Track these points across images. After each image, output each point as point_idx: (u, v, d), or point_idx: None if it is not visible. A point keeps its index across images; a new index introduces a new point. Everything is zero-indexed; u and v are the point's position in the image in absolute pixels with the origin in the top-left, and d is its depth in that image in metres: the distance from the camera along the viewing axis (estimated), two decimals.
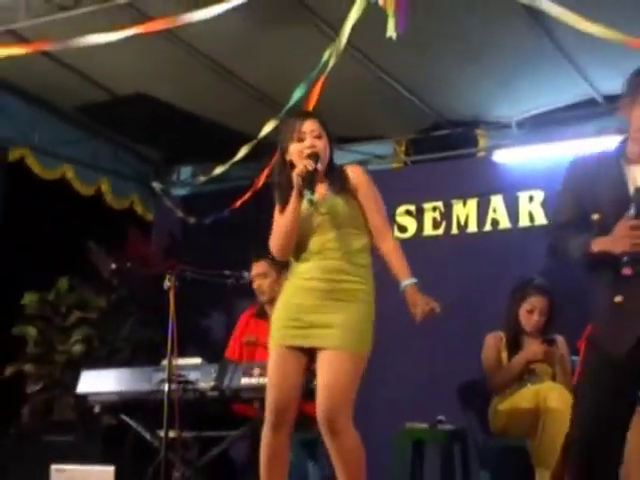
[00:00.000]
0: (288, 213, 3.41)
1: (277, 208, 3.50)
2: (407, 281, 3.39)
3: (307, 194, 3.33)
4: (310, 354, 3.39)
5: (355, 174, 3.52)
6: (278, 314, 3.48)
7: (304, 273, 3.43)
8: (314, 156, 3.40)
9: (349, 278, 3.39)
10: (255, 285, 4.93)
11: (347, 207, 3.45)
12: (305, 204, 3.39)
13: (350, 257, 3.41)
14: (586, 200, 3.04)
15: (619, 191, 2.94)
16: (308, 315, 3.37)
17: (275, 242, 3.46)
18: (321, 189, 3.48)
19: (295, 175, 3.38)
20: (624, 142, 3.06)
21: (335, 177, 3.51)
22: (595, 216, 2.98)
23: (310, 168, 3.36)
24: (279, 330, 3.43)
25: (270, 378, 3.42)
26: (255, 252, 4.87)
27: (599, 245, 2.89)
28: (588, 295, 3.15)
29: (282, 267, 4.63)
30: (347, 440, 3.31)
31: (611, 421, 2.94)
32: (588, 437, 2.95)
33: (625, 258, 2.84)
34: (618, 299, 2.92)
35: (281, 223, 3.44)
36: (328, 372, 3.31)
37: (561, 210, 3.16)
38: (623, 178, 2.96)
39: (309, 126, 3.47)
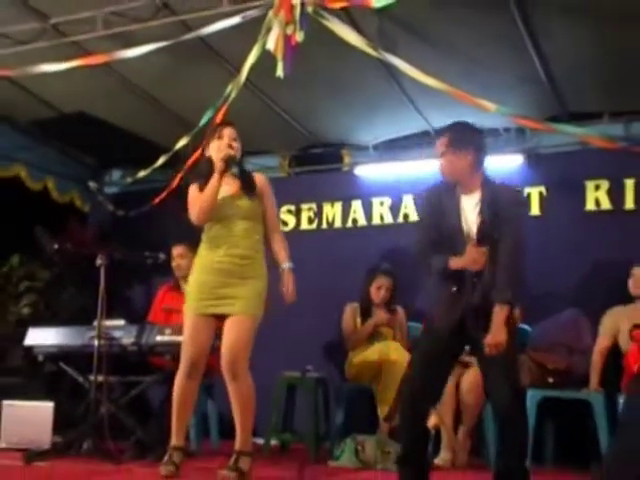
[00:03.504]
0: (210, 187, 3.44)
1: (196, 188, 3.53)
2: (286, 264, 3.48)
3: (231, 168, 3.45)
4: (219, 319, 3.45)
5: (261, 180, 3.61)
6: (192, 289, 3.50)
7: (215, 256, 3.46)
8: (231, 157, 3.49)
9: (249, 262, 3.46)
10: (175, 263, 4.86)
11: (253, 205, 3.51)
12: (235, 199, 3.47)
13: (251, 244, 3.48)
14: (435, 224, 3.13)
15: (454, 219, 3.08)
16: (218, 290, 3.43)
17: (196, 210, 3.47)
18: (235, 188, 3.54)
19: (219, 160, 3.44)
20: None
21: (245, 180, 3.57)
22: (442, 233, 3.10)
23: (231, 154, 3.45)
24: (194, 302, 3.48)
25: (186, 338, 3.47)
26: (175, 238, 4.83)
27: (457, 263, 3.03)
28: (423, 282, 3.29)
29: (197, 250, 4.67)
30: (243, 383, 3.38)
31: (433, 372, 3.10)
32: (415, 382, 3.11)
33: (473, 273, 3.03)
34: (454, 289, 3.07)
35: (203, 196, 3.46)
36: (232, 331, 3.39)
37: (421, 234, 3.21)
38: (458, 208, 3.09)
39: (228, 131, 3.56)
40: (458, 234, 3.06)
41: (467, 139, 3.11)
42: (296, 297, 3.50)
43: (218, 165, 3.44)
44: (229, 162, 3.45)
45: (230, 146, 3.50)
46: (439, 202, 3.13)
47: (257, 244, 3.51)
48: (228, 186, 3.54)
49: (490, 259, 3.01)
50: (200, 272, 3.50)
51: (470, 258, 3.01)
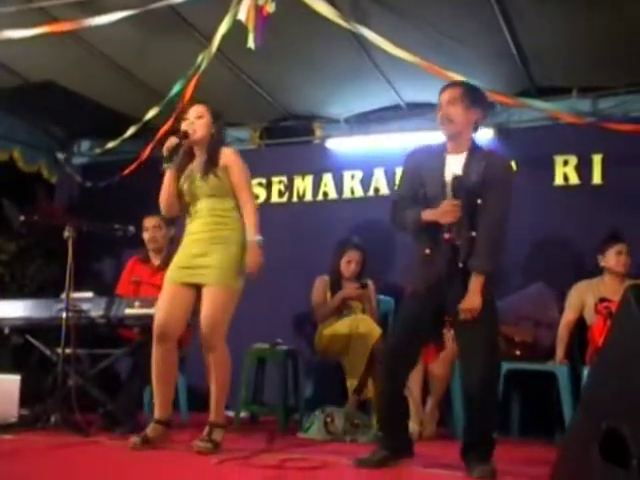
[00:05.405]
0: (164, 182, 3.53)
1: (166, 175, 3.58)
2: (252, 237, 3.46)
3: (169, 164, 3.48)
4: (197, 289, 3.43)
5: (226, 155, 3.55)
6: (174, 261, 3.53)
7: (192, 230, 3.50)
8: (182, 133, 3.48)
9: (221, 227, 3.45)
10: (150, 235, 4.78)
11: (218, 181, 3.48)
12: (196, 179, 3.48)
13: (221, 213, 3.46)
14: (416, 180, 3.16)
15: (438, 174, 3.10)
16: (194, 260, 3.44)
17: (160, 200, 3.56)
18: (200, 162, 3.54)
19: (164, 150, 3.49)
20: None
21: (212, 154, 3.54)
22: (422, 191, 3.13)
23: (174, 143, 3.45)
24: (172, 271, 3.49)
25: (159, 304, 3.48)
26: (146, 210, 4.77)
27: (429, 216, 3.05)
28: (395, 251, 3.32)
29: (170, 223, 4.62)
30: (219, 355, 3.40)
31: (414, 335, 3.13)
32: (397, 344, 3.14)
33: (446, 227, 3.04)
34: (427, 252, 3.09)
35: (162, 190, 3.54)
36: (207, 303, 3.38)
37: (400, 187, 3.31)
38: (443, 166, 3.11)
39: (194, 110, 3.56)
40: (441, 191, 3.06)
41: (480, 98, 3.17)
42: (261, 271, 3.46)
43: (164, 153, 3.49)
44: (170, 151, 3.46)
45: (182, 132, 3.49)
46: (422, 161, 3.17)
47: (227, 212, 3.48)
48: (198, 165, 3.54)
49: (466, 223, 3.01)
50: (181, 247, 3.54)
51: (442, 209, 3.02)
